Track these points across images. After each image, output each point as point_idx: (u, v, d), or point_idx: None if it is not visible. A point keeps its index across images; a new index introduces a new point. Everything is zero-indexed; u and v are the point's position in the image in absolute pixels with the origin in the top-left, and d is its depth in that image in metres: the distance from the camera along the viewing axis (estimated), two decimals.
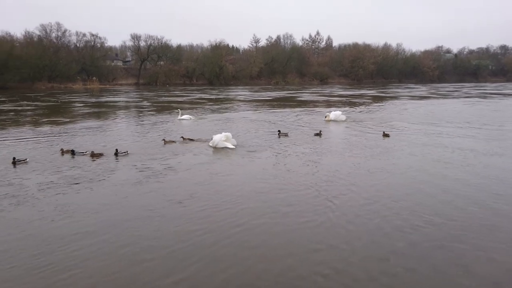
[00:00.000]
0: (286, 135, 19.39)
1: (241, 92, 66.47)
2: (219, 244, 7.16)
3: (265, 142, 17.59)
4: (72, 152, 14.70)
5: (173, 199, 9.60)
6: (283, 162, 13.76)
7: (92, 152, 14.62)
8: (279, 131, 19.80)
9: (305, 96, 56.43)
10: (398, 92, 65.72)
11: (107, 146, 16.41)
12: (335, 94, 61.53)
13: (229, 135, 16.34)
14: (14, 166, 12.83)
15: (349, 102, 43.01)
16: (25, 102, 41.64)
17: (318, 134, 19.34)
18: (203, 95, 57.20)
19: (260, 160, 14.04)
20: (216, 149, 16.00)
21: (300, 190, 10.38)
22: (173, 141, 17.41)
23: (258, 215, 8.57)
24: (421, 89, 76.87)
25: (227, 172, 12.39)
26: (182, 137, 18.09)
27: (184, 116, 25.84)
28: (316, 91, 69.51)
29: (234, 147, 16.05)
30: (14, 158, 13.25)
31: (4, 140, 18.14)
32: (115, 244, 7.16)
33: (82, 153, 14.73)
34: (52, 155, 14.74)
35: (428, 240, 7.30)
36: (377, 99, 49.19)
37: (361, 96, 55.51)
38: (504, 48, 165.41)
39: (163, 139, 17.53)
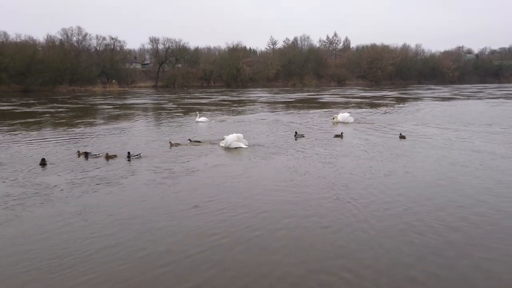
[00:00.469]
0: (302, 136, 19.30)
1: (261, 94, 66.52)
2: (237, 249, 7.04)
3: (283, 144, 17.46)
4: (86, 154, 14.91)
5: (190, 203, 9.53)
6: (300, 164, 13.58)
7: (107, 154, 14.73)
8: (296, 132, 19.73)
9: (326, 97, 56.13)
10: (420, 94, 64.72)
11: (125, 147, 16.57)
12: (357, 95, 60.94)
13: (240, 135, 16.71)
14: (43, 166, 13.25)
15: (371, 104, 42.49)
16: (55, 105, 42.56)
17: (339, 136, 19.11)
18: (224, 97, 57.55)
19: (277, 162, 13.90)
20: (229, 149, 16.17)
21: (318, 193, 10.21)
22: (179, 144, 17.34)
23: (276, 219, 8.42)
24: (443, 90, 75.51)
25: (244, 175, 12.30)
26: (189, 139, 18.00)
27: (201, 119, 25.89)
28: (336, 93, 69.08)
29: (246, 146, 16.39)
30: (43, 160, 13.62)
31: (36, 140, 18.47)
32: (132, 248, 7.11)
33: (95, 155, 14.87)
34: (70, 156, 15.01)
35: (453, 248, 7.04)
36: (400, 100, 48.66)
37: (383, 97, 54.86)
38: None
39: (170, 142, 17.47)
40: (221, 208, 9.11)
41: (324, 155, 14.92)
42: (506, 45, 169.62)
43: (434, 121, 25.53)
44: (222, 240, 7.38)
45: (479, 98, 50.72)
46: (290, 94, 65.58)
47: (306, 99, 53.75)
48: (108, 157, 14.52)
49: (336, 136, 19.22)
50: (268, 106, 41.44)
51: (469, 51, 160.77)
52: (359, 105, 40.68)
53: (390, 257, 6.71)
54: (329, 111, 33.78)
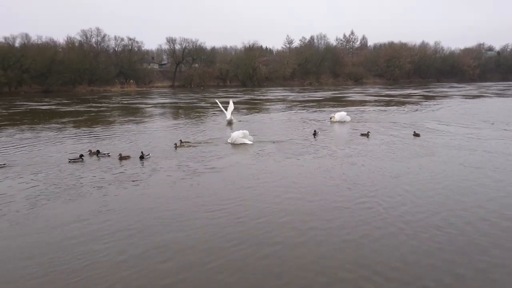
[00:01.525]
0: (316, 134, 19.73)
1: (283, 93, 66.46)
2: (254, 264, 6.78)
3: (304, 142, 17.56)
4: (97, 153, 15.33)
5: (204, 208, 9.38)
6: (320, 164, 13.53)
7: (120, 154, 14.86)
8: (314, 131, 19.80)
9: (353, 96, 55.93)
10: (446, 92, 64.03)
11: (149, 146, 16.80)
12: (382, 94, 60.74)
13: (246, 132, 17.74)
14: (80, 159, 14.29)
15: (401, 102, 42.27)
16: (92, 104, 43.63)
17: (365, 135, 19.06)
18: (250, 96, 57.93)
19: (295, 162, 13.87)
20: (235, 145, 16.89)
21: (339, 196, 10.08)
22: (187, 142, 17.57)
23: (298, 229, 8.15)
24: (467, 88, 74.40)
25: (261, 177, 12.16)
26: (180, 140, 17.74)
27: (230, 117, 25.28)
28: (359, 91, 68.73)
29: (251, 142, 17.34)
30: (70, 159, 14.43)
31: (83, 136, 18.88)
32: (146, 259, 6.94)
33: (105, 154, 15.21)
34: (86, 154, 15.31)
35: (483, 253, 6.93)
36: (428, 98, 48.28)
37: (409, 95, 54.49)
38: None
39: (175, 144, 17.25)
40: (238, 216, 8.88)
41: (344, 155, 14.85)
42: None
43: (461, 120, 25.14)
44: (239, 253, 7.14)
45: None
46: (313, 93, 65.58)
47: (332, 97, 53.89)
48: (121, 158, 14.64)
49: (362, 135, 19.14)
50: (292, 104, 41.52)
51: (490, 48, 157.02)
52: (388, 103, 40.76)
53: (421, 269, 6.57)
54: (360, 109, 33.65)
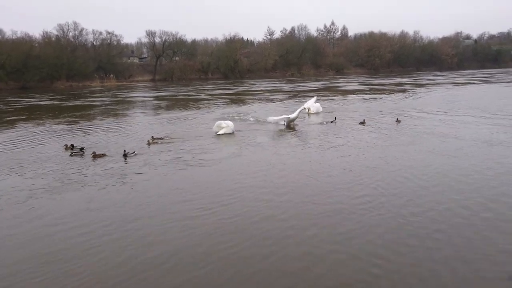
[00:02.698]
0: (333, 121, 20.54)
1: (273, 84, 66.32)
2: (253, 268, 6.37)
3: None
4: (72, 147, 15.05)
5: (200, 206, 8.91)
6: (319, 156, 13.64)
7: (94, 152, 14.22)
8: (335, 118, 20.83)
9: (348, 85, 56.62)
10: (434, 80, 65.18)
11: (124, 142, 16.62)
12: (374, 83, 61.52)
13: (229, 122, 18.21)
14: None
15: (394, 90, 43.14)
16: (90, 99, 42.63)
17: (363, 123, 19.81)
18: (243, 88, 57.82)
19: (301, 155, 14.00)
20: (210, 139, 16.79)
21: (342, 189, 9.84)
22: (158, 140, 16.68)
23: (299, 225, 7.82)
24: (452, 76, 76.12)
25: (256, 170, 11.74)
26: (152, 136, 16.99)
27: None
28: (349, 81, 69.45)
29: (232, 132, 17.88)
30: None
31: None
32: (136, 263, 6.62)
33: (79, 149, 14.86)
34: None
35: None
36: (419, 86, 49.24)
37: (399, 84, 55.79)
38: None
39: (148, 141, 16.45)
40: (234, 213, 8.47)
41: (338, 144, 15.06)
42: (505, 30, 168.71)
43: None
44: (236, 255, 6.77)
45: (500, 82, 51.54)
46: (305, 84, 65.66)
47: (327, 87, 54.52)
48: (95, 156, 13.99)
49: (361, 123, 19.89)
50: (293, 94, 41.69)
51: (468, 37, 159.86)
52: (381, 92, 41.71)
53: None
54: (360, 97, 33.95)
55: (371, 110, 25.51)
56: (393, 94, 38.21)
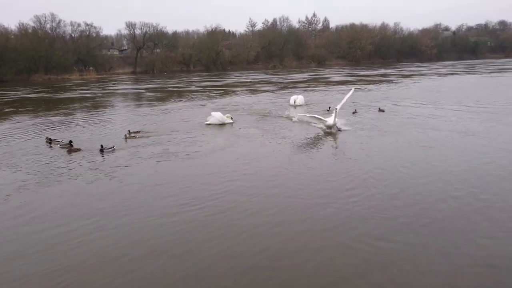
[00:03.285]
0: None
1: (263, 76, 66.41)
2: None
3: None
4: (50, 141, 14.98)
5: (186, 202, 8.82)
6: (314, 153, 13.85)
7: (70, 146, 14.02)
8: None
9: (337, 77, 57.27)
10: (418, 71, 66.52)
11: (103, 136, 16.56)
12: (361, 74, 62.49)
13: (218, 113, 18.74)
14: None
15: (381, 81, 44.02)
16: (82, 91, 41.78)
17: (382, 110, 20.90)
18: (235, 80, 57.62)
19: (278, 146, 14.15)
20: (187, 133, 16.58)
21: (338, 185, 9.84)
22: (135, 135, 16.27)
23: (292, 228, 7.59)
24: (434, 67, 77.52)
25: (244, 163, 11.73)
26: (128, 130, 16.70)
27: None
28: (336, 72, 70.37)
29: (231, 121, 18.46)
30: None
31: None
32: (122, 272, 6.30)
33: (59, 142, 14.86)
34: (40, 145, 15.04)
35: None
36: (405, 77, 50.42)
37: (384, 75, 56.91)
38: (503, 23, 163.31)
39: (125, 135, 16.24)
40: (222, 208, 8.46)
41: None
42: (482, 21, 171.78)
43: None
44: (226, 250, 6.72)
45: (482, 73, 53.05)
46: (291, 75, 66.16)
47: (315, 78, 55.10)
48: (70, 151, 13.79)
49: (380, 110, 20.88)
50: (282, 86, 41.90)
51: (447, 28, 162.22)
52: (372, 82, 42.61)
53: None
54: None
55: (362, 100, 26.12)
56: (379, 85, 39.19)
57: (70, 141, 14.42)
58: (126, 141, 15.60)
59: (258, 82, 50.22)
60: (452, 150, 12.51)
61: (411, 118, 18.67)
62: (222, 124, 18.10)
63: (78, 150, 13.97)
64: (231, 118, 18.94)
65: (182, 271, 6.13)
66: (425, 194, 8.85)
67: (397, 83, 41.04)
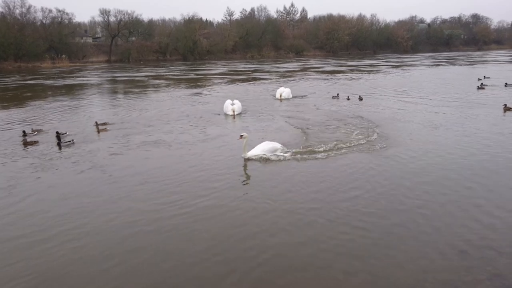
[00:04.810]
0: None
1: (251, 65, 66.01)
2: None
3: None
4: (24, 134, 13.91)
5: (172, 203, 8.19)
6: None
7: (25, 139, 13.18)
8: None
9: (327, 67, 57.40)
10: (401, 62, 67.46)
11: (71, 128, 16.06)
12: (348, 64, 63.00)
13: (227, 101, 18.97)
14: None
15: (368, 71, 44.49)
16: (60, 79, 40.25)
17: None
18: (229, 69, 56.73)
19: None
20: (159, 126, 16.05)
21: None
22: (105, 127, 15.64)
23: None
24: (414, 58, 78.98)
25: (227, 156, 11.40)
26: (96, 122, 16.04)
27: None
28: (326, 62, 70.86)
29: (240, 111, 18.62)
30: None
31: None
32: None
33: (30, 133, 14.24)
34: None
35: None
36: (393, 68, 51.41)
37: (373, 65, 57.72)
38: (475, 17, 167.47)
39: (95, 123, 15.73)
40: (203, 205, 8.06)
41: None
42: (456, 14, 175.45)
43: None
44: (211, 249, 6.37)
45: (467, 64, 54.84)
46: (284, 64, 65.78)
47: (305, 68, 55.31)
48: (26, 143, 12.87)
49: (360, 99, 21.98)
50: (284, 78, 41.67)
51: (422, 21, 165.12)
52: (356, 73, 43.52)
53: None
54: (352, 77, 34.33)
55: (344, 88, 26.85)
56: (362, 74, 39.40)
57: (24, 131, 13.40)
58: (98, 133, 14.96)
59: (253, 71, 50.01)
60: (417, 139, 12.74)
61: (387, 106, 19.26)
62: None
63: (34, 142, 13.04)
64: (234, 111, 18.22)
65: (168, 267, 5.94)
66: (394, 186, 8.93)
67: (381, 73, 42.25)
